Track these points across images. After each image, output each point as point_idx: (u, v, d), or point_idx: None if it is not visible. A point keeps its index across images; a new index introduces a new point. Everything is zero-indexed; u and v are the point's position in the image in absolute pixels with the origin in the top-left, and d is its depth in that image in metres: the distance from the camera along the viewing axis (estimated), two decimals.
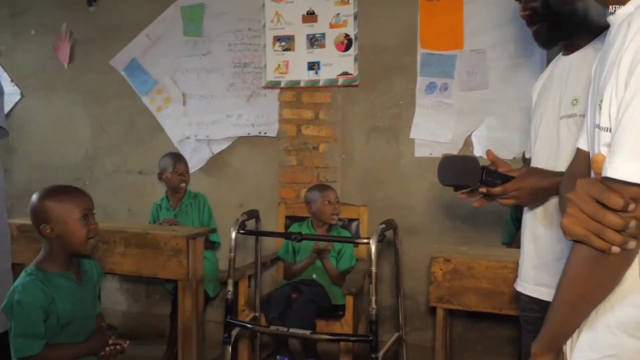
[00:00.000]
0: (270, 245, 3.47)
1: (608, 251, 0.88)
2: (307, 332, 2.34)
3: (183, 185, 3.43)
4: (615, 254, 0.87)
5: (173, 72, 3.83)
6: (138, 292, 4.01)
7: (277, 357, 3.08)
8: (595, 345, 1.00)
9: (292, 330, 2.29)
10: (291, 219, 3.45)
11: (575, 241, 0.92)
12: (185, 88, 3.81)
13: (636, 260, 0.94)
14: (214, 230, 3.33)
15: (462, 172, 1.54)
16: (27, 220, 3.12)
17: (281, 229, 3.45)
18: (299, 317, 2.59)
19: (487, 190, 1.51)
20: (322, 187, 3.22)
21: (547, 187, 1.47)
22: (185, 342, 3.06)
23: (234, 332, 2.28)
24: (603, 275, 0.93)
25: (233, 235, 2.25)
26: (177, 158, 3.44)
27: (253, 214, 2.44)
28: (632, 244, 0.87)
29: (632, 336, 0.96)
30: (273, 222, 3.49)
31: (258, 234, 2.49)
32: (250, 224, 2.46)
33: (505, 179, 1.51)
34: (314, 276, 3.15)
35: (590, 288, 0.95)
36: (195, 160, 3.76)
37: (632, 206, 0.85)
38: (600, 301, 0.97)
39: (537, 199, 1.53)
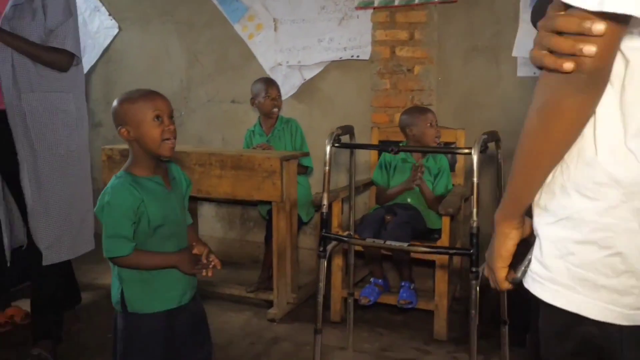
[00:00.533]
0: (364, 170, 3.42)
1: (560, 69, 0.81)
2: (405, 245, 2.27)
3: (275, 110, 3.41)
4: (567, 70, 0.80)
5: None
6: (233, 219, 4.10)
7: (371, 279, 3.06)
8: (551, 208, 0.95)
9: (388, 242, 2.24)
10: (384, 144, 3.36)
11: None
12: (277, 13, 3.75)
13: (592, 118, 0.87)
14: (306, 154, 3.32)
15: None
16: (117, 145, 3.26)
17: (374, 154, 3.38)
18: (394, 238, 2.53)
19: None
20: (422, 110, 3.09)
21: None
22: (280, 265, 3.10)
23: (330, 246, 2.25)
24: (557, 129, 0.88)
25: (328, 149, 2.19)
26: (270, 83, 3.42)
27: (348, 129, 2.37)
28: (567, 66, 0.80)
29: (584, 196, 0.90)
30: None
31: (352, 146, 2.42)
32: (345, 141, 2.40)
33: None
34: (409, 200, 3.07)
35: (545, 143, 0.90)
36: (287, 87, 3.72)
37: (587, 26, 0.78)
38: (556, 161, 0.92)
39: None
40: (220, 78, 4.01)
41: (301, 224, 3.43)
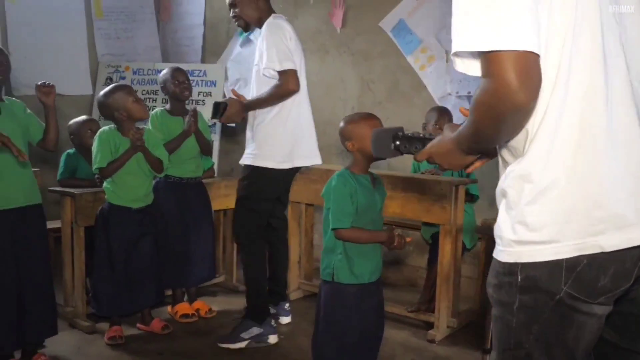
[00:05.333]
0: None
1: None
2: None
3: None
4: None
5: (438, 30, 3.93)
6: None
7: None
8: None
9: None
10: None
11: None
12: (449, 46, 3.87)
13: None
14: (475, 181, 3.38)
15: (376, 144, 1.57)
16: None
17: None
18: None
19: (414, 158, 1.45)
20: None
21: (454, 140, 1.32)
22: (443, 288, 3.18)
23: None
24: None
25: None
26: (442, 112, 3.54)
27: None
28: None
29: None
30: None
31: None
32: None
33: (425, 141, 1.41)
34: None
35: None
36: (456, 117, 3.82)
37: None
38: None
39: (451, 159, 1.35)
40: (391, 105, 4.22)
41: (464, 250, 3.48)
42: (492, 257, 1.22)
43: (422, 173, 3.52)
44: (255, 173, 3.04)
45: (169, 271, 3.28)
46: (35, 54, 4.77)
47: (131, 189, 3.04)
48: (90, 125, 3.40)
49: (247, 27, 3.21)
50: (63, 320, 3.19)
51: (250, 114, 3.09)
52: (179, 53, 5.56)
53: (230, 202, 3.84)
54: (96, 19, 5.22)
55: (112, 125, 3.05)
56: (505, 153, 1.21)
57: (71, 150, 3.47)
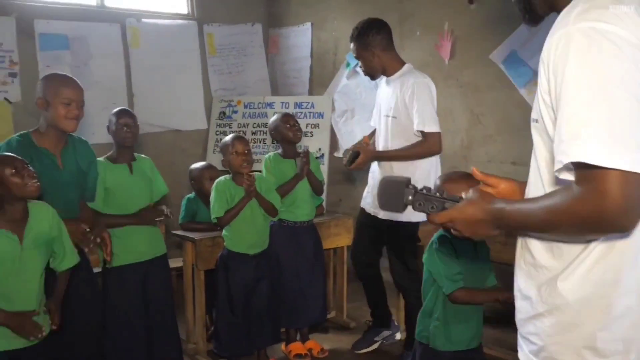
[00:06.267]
0: None
1: None
2: None
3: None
4: None
5: None
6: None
7: None
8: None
9: None
10: None
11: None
12: None
13: None
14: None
15: (385, 196, 1.39)
16: None
17: None
18: None
19: (428, 218, 1.33)
20: None
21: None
22: None
23: None
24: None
25: None
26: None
27: None
28: None
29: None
30: None
31: None
32: None
33: (444, 202, 1.29)
34: None
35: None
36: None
37: None
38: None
39: (479, 229, 1.25)
40: (502, 139, 4.10)
41: None
42: None
43: None
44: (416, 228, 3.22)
45: (283, 311, 3.39)
46: (155, 93, 5.10)
47: (247, 235, 3.16)
48: (210, 173, 3.58)
49: (373, 77, 3.44)
50: (185, 356, 3.37)
51: (387, 163, 3.26)
52: (287, 85, 5.72)
53: (339, 241, 3.92)
54: (210, 56, 5.50)
55: (228, 176, 3.20)
56: (540, 249, 1.17)
57: (191, 195, 3.67)
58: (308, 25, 5.46)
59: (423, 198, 1.33)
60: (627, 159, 0.95)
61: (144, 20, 5.06)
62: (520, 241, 1.25)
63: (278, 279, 3.35)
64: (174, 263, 3.72)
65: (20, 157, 2.15)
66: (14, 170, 2.07)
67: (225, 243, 3.21)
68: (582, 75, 1.00)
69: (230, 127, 5.36)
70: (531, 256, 1.19)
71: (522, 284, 1.22)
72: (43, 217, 2.20)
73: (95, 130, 4.32)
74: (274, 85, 5.81)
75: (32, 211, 2.18)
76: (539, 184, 1.21)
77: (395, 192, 1.36)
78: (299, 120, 3.55)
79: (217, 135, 5.38)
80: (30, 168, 2.14)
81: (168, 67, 5.18)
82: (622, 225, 1.00)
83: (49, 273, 2.27)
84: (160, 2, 5.32)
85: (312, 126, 5.17)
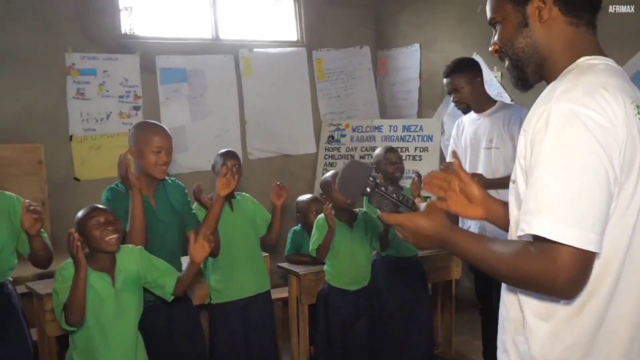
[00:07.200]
0: None
1: None
2: None
3: None
4: None
5: None
6: None
7: None
8: None
9: None
10: None
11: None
12: None
13: None
14: None
15: (346, 181, 1.41)
16: None
17: None
18: None
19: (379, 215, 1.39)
20: None
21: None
22: None
23: None
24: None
25: None
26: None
27: None
28: None
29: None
30: None
31: None
32: None
33: (399, 206, 1.35)
34: None
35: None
36: None
37: None
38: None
39: (424, 243, 1.35)
40: None
41: None
42: None
43: None
44: None
45: (386, 350, 3.33)
46: (265, 119, 5.25)
47: (347, 271, 3.15)
48: (316, 206, 3.61)
49: (467, 111, 3.38)
50: None
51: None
52: (395, 107, 5.66)
53: (446, 274, 3.79)
54: (318, 81, 5.57)
55: None
56: (527, 304, 1.24)
57: (297, 228, 3.73)
58: (417, 46, 5.37)
59: (379, 195, 1.36)
60: (581, 237, 1.07)
61: (255, 50, 5.23)
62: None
63: (379, 317, 3.29)
64: (280, 293, 3.79)
65: (107, 209, 2.26)
66: (96, 224, 2.17)
67: (326, 277, 3.22)
68: (554, 154, 1.11)
69: (338, 151, 5.40)
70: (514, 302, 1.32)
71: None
72: (130, 259, 2.30)
73: (210, 158, 4.51)
74: (383, 107, 5.77)
75: (120, 254, 2.29)
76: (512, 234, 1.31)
77: (356, 178, 1.38)
78: (407, 143, 3.49)
79: (325, 159, 5.43)
80: (116, 221, 2.23)
81: (278, 94, 5.31)
82: (565, 294, 1.13)
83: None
84: (272, 31, 5.47)
85: (421, 149, 5.06)
